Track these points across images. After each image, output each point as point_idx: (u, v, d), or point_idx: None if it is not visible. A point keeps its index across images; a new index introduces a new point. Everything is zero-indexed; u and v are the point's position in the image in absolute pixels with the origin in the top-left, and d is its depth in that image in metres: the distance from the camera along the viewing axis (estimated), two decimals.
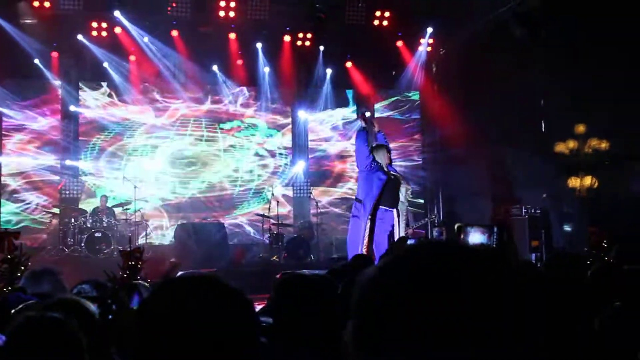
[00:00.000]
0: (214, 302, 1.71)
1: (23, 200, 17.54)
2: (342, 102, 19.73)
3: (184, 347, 1.63)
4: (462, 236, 12.60)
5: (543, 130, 16.95)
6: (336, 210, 19.00)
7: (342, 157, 19.66)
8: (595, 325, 3.51)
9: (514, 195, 16.06)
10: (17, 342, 2.65)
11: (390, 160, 11.00)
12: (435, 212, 18.62)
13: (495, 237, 12.78)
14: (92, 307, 3.54)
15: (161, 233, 18.05)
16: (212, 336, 1.65)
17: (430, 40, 18.87)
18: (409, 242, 8.82)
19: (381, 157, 10.66)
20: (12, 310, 4.18)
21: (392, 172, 10.75)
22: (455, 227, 13.05)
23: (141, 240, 16.14)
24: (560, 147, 16.54)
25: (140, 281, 10.56)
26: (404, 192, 10.64)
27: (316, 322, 3.26)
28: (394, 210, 10.51)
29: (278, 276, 5.69)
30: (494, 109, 15.84)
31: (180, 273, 5.62)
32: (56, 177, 17.73)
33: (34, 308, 3.81)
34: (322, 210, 17.68)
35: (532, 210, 14.78)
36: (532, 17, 16.63)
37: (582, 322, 3.65)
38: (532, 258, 13.72)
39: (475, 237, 12.95)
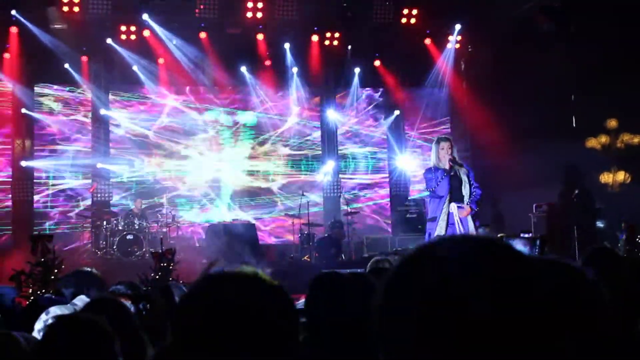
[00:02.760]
0: (255, 297, 1.69)
1: (56, 205, 17.68)
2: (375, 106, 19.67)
3: (224, 342, 1.61)
4: None
5: (574, 125, 16.83)
6: (367, 209, 18.96)
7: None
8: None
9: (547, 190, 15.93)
10: (50, 342, 2.67)
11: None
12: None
13: (537, 249, 12.58)
14: (128, 305, 3.56)
15: (192, 233, 18.08)
16: (254, 332, 1.63)
17: (459, 38, 18.75)
18: None
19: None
20: (43, 314, 4.22)
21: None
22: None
23: (173, 243, 16.19)
24: (592, 143, 16.41)
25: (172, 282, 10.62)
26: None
27: (351, 319, 3.23)
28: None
29: None
30: (524, 105, 15.72)
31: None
32: (88, 181, 17.84)
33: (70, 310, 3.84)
34: (352, 209, 17.61)
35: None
36: (559, 11, 16.52)
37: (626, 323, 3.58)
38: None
39: (517, 247, 12.80)
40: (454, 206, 9.36)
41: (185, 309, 1.72)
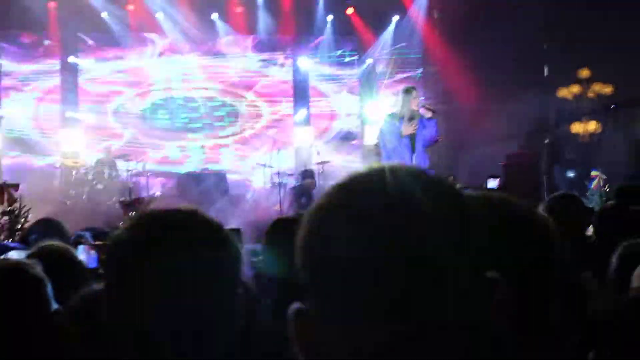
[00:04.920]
0: (189, 235, 1.64)
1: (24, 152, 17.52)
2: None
3: (157, 284, 1.56)
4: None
5: (546, 74, 16.84)
6: (338, 156, 18.89)
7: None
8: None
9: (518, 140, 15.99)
10: None
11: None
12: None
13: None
14: (78, 255, 3.56)
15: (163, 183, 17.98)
16: (190, 273, 1.58)
17: None
18: None
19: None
20: None
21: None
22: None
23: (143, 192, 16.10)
24: (564, 92, 16.43)
25: None
26: None
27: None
28: None
29: None
30: (497, 54, 15.67)
31: None
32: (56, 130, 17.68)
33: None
34: (323, 160, 17.53)
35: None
36: None
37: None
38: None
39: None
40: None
41: (114, 247, 1.67)
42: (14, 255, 4.29)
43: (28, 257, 3.51)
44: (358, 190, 1.09)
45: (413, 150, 9.75)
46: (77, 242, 4.96)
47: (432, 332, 1.01)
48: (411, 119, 9.76)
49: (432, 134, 9.83)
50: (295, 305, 1.12)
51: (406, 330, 1.01)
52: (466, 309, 1.03)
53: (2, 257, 4.28)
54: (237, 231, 10.99)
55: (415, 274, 1.01)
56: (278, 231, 3.55)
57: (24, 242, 5.35)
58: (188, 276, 1.57)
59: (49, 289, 2.65)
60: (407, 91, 10.03)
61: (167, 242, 1.59)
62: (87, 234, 5.01)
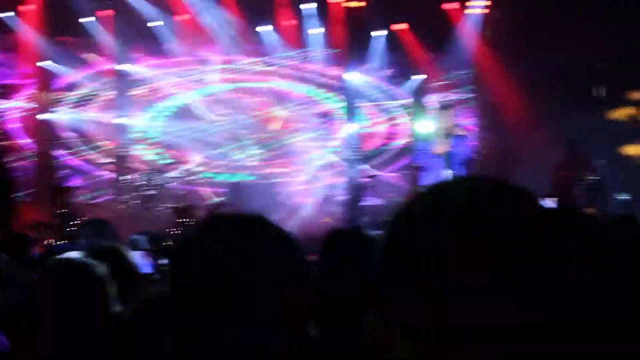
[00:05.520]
0: (259, 240, 1.65)
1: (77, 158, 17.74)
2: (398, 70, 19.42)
3: (224, 289, 1.58)
4: None
5: (600, 96, 16.64)
6: (387, 173, 18.84)
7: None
8: None
9: (576, 162, 15.78)
10: (43, 282, 2.70)
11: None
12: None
13: None
14: (132, 258, 3.59)
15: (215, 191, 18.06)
16: (257, 276, 1.60)
17: (486, 2, 18.51)
18: None
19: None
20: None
21: None
22: None
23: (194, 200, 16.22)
24: (617, 114, 16.24)
25: None
26: None
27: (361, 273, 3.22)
28: None
29: None
30: (550, 74, 15.53)
31: None
32: (110, 137, 17.89)
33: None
34: (373, 174, 17.51)
35: (589, 178, 14.50)
36: None
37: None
38: None
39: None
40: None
41: (184, 252, 1.69)
42: (70, 255, 4.31)
43: (87, 255, 3.54)
44: (447, 199, 1.10)
45: (448, 167, 9.74)
46: (133, 246, 4.99)
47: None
48: (447, 135, 9.77)
49: (466, 152, 9.88)
50: (370, 316, 1.13)
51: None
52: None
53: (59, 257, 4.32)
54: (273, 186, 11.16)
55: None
56: (335, 241, 3.56)
57: (74, 243, 5.39)
58: (257, 282, 1.58)
59: (113, 289, 2.69)
60: (444, 108, 10.07)
61: (237, 246, 1.61)
62: (142, 238, 5.05)
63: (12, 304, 2.88)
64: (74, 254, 4.25)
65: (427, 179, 9.72)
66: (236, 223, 1.71)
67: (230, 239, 1.62)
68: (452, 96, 18.97)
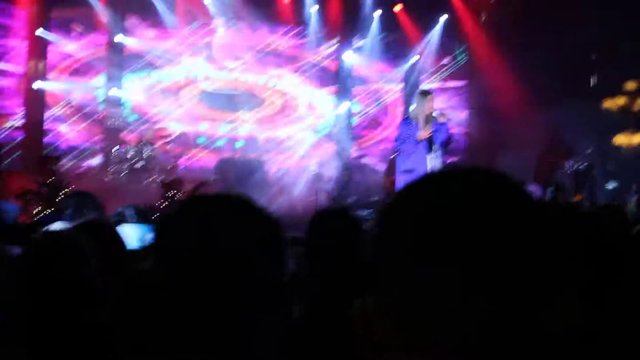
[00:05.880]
0: (239, 220, 1.65)
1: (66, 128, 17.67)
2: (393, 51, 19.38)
3: (206, 268, 1.57)
4: None
5: (592, 85, 16.67)
6: (376, 153, 18.86)
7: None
8: None
9: (563, 151, 15.81)
10: (30, 254, 2.69)
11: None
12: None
13: (551, 196, 12.36)
14: (119, 232, 3.57)
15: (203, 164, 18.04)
16: (237, 257, 1.59)
17: None
18: None
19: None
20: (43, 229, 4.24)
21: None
22: None
23: (182, 173, 16.18)
24: (609, 104, 16.27)
25: None
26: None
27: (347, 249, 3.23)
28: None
29: None
30: (544, 61, 15.54)
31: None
32: (99, 107, 17.82)
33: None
34: (363, 152, 17.54)
35: (578, 165, 14.51)
36: None
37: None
38: None
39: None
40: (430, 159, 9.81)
41: (165, 230, 1.68)
42: (56, 226, 4.30)
43: (76, 228, 3.52)
44: (439, 189, 1.12)
45: (429, 151, 9.87)
46: (119, 219, 4.97)
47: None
48: (426, 122, 9.90)
49: (444, 137, 10.02)
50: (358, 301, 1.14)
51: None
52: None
53: (45, 228, 4.30)
54: (262, 162, 11.18)
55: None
56: (321, 221, 3.55)
57: (59, 214, 5.37)
58: (235, 262, 1.58)
59: (99, 264, 2.67)
60: (424, 94, 10.22)
61: (223, 229, 1.61)
62: (129, 211, 5.02)
63: None
64: (58, 226, 4.25)
65: (406, 164, 9.87)
66: (216, 202, 1.71)
67: (210, 219, 1.62)
68: (444, 82, 19.04)
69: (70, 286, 2.61)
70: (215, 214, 1.65)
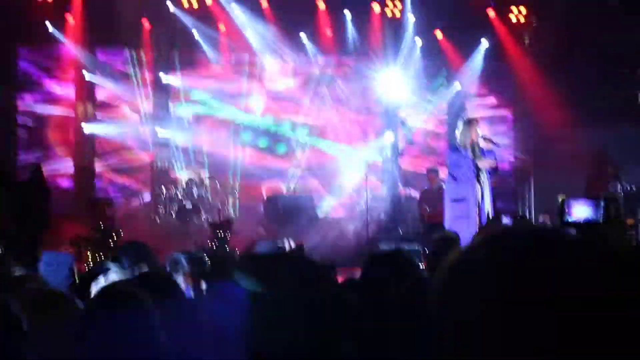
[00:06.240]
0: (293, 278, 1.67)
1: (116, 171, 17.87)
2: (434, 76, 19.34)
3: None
4: (566, 209, 12.02)
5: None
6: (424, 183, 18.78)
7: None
8: None
9: (610, 170, 15.56)
10: (93, 308, 2.73)
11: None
12: (527, 186, 18.06)
13: (602, 211, 12.15)
14: (181, 283, 3.60)
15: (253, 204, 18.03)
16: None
17: (523, 10, 18.39)
18: (504, 220, 8.43)
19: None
20: (101, 276, 4.30)
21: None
22: (559, 199, 12.44)
23: (231, 213, 16.27)
24: None
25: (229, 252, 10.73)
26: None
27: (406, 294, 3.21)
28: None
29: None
30: (590, 81, 15.39)
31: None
32: (148, 148, 17.99)
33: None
34: (409, 181, 17.44)
35: (628, 187, 14.19)
36: None
37: None
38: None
39: (581, 210, 12.32)
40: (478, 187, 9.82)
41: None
42: (113, 276, 4.36)
43: (131, 282, 3.57)
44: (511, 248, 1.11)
45: (478, 180, 9.90)
46: (173, 265, 5.00)
47: None
48: (473, 150, 9.86)
49: (492, 165, 10.11)
50: None
51: None
52: None
53: (104, 277, 4.35)
54: (300, 247, 11.13)
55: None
56: (375, 264, 3.55)
57: (114, 262, 5.43)
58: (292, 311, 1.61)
59: (157, 319, 2.69)
60: (469, 123, 10.20)
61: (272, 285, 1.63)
62: (182, 258, 5.05)
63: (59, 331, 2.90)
64: (114, 277, 4.30)
65: (458, 192, 9.82)
66: (270, 262, 1.74)
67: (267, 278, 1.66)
68: (488, 107, 18.95)
69: (131, 341, 2.64)
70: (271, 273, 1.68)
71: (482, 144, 10.11)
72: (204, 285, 4.37)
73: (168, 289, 3.35)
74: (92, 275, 4.50)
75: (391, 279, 3.38)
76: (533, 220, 14.88)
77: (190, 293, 4.32)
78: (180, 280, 4.24)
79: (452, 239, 5.84)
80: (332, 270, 4.76)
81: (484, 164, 9.85)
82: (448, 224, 9.78)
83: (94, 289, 4.18)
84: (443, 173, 14.51)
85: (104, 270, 4.55)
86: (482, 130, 10.66)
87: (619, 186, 14.16)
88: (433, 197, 15.68)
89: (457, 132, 10.27)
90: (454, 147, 10.14)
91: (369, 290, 3.46)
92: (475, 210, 9.66)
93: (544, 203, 15.56)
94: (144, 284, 3.13)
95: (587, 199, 12.60)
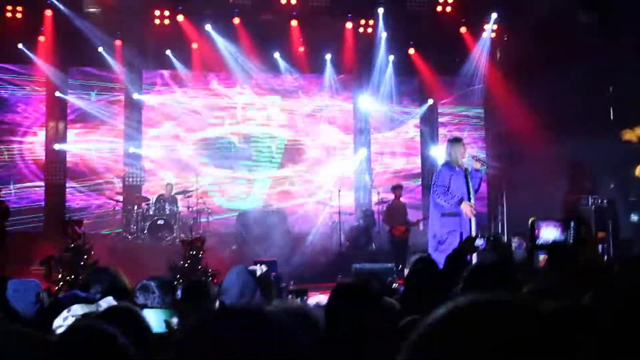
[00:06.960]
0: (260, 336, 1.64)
1: (87, 188, 17.76)
2: (409, 95, 19.44)
3: None
4: (535, 231, 12.06)
5: (612, 117, 16.61)
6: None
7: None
8: None
9: (583, 185, 15.68)
10: (63, 351, 2.64)
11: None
12: (500, 206, 18.12)
13: (572, 232, 12.20)
14: (147, 319, 3.56)
15: (224, 220, 18.01)
16: None
17: (495, 27, 18.55)
18: (477, 242, 8.40)
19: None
20: (65, 311, 4.24)
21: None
22: (529, 221, 12.47)
23: (203, 229, 16.19)
24: (628, 135, 16.18)
25: (201, 273, 10.68)
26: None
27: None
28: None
29: None
30: (561, 96, 15.50)
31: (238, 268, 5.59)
32: (119, 166, 17.90)
33: (89, 317, 3.84)
34: (383, 198, 17.44)
35: (599, 201, 14.31)
36: (601, 2, 16.29)
37: None
38: (599, 250, 13.27)
39: (549, 232, 12.38)
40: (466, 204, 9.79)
41: (187, 343, 1.68)
42: (78, 310, 4.30)
43: (98, 316, 3.54)
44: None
45: (469, 197, 9.95)
46: (144, 291, 4.95)
47: None
48: (463, 167, 9.99)
49: (479, 185, 10.16)
50: None
51: None
52: None
53: (70, 311, 4.29)
54: (273, 262, 11.19)
55: None
56: (341, 300, 3.52)
57: (86, 289, 5.38)
58: None
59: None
60: (455, 141, 10.24)
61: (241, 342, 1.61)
62: (152, 284, 5.01)
63: None
64: (80, 310, 4.24)
65: (450, 207, 9.83)
66: (243, 317, 1.71)
67: (236, 334, 1.62)
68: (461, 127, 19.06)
69: None
70: (240, 329, 1.65)
71: (472, 163, 10.18)
72: (174, 320, 4.33)
73: (134, 324, 3.33)
74: (58, 307, 4.46)
75: (354, 316, 3.36)
76: (506, 241, 14.92)
77: (160, 329, 4.28)
78: (150, 315, 4.20)
79: (430, 262, 5.84)
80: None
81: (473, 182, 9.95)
82: (438, 237, 9.85)
83: (57, 322, 4.14)
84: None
85: (70, 302, 4.50)
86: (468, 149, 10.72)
87: (590, 200, 14.28)
88: (398, 212, 15.81)
89: (446, 151, 10.26)
90: (446, 164, 10.14)
91: (332, 321, 3.44)
92: (468, 223, 9.76)
93: (517, 223, 15.60)
94: (112, 318, 3.10)
95: (557, 220, 12.66)
